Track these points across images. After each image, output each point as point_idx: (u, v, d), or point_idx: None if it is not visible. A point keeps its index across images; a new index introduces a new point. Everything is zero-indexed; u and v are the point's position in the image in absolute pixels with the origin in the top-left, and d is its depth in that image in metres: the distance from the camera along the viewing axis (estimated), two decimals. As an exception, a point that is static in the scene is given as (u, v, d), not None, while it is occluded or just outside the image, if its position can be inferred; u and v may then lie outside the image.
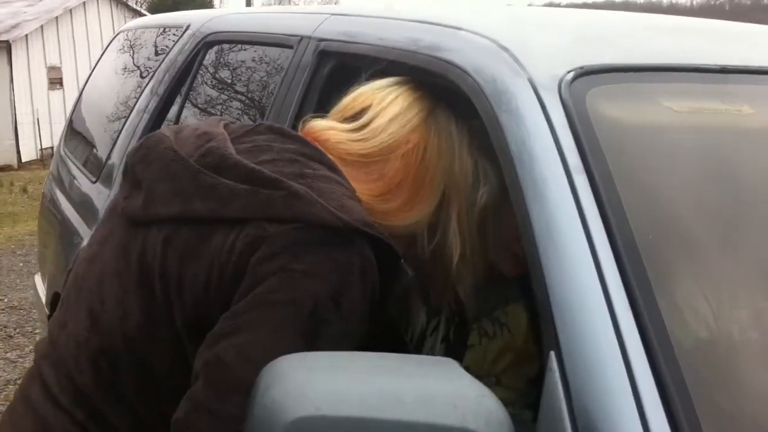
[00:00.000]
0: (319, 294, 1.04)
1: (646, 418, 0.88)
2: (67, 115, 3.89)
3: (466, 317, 1.59)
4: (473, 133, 1.29)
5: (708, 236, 1.18)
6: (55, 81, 16.70)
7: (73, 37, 17.31)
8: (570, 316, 0.97)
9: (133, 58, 3.25)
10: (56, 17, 16.62)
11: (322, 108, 1.40)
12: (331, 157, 1.21)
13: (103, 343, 1.16)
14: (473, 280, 1.35)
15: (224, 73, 2.50)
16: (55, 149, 4.16)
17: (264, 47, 2.21)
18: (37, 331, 5.32)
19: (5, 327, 5.61)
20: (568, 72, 1.21)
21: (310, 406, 0.86)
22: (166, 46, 2.81)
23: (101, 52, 3.80)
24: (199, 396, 1.03)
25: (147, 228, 1.17)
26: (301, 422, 0.85)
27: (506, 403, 0.93)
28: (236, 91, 2.41)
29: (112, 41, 3.69)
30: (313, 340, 1.03)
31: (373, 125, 1.26)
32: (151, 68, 2.87)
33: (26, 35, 15.61)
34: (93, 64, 3.87)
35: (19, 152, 15.51)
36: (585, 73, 1.23)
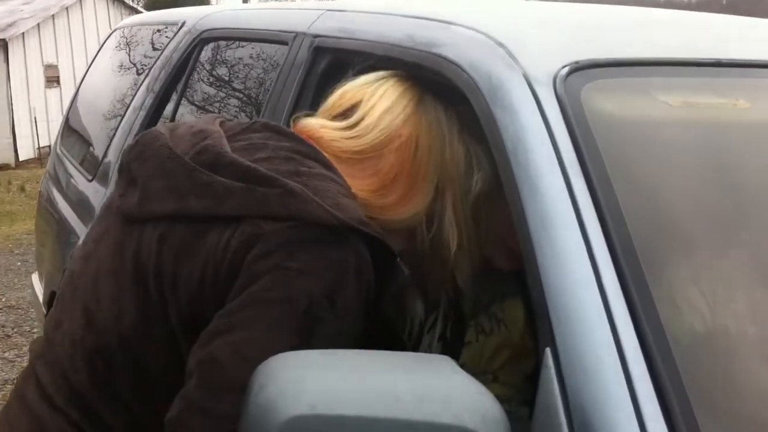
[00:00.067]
0: (314, 292, 1.04)
1: (642, 414, 0.88)
2: (64, 113, 3.88)
3: (463, 313, 1.58)
4: (462, 119, 1.29)
5: (704, 231, 1.18)
6: (52, 79, 16.70)
7: (69, 34, 17.30)
8: (565, 312, 0.97)
9: (129, 55, 3.24)
10: (53, 15, 16.61)
11: (318, 104, 1.40)
12: (325, 154, 1.21)
13: (99, 341, 1.16)
14: (471, 269, 1.35)
15: (220, 70, 2.50)
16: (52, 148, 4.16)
17: (259, 44, 2.20)
18: (35, 330, 5.32)
19: (3, 326, 5.61)
20: (563, 67, 1.21)
21: (304, 404, 0.86)
22: (162, 43, 2.81)
23: (97, 50, 3.79)
24: (192, 395, 1.02)
25: (142, 226, 1.16)
26: (296, 421, 0.85)
27: (503, 400, 0.93)
28: (232, 88, 2.41)
29: (107, 39, 3.69)
30: (307, 339, 1.03)
31: (365, 122, 1.25)
32: (147, 65, 2.86)
33: (23, 33, 15.60)
34: (89, 62, 3.86)
35: (16, 151, 15.52)
36: (580, 67, 1.22)
